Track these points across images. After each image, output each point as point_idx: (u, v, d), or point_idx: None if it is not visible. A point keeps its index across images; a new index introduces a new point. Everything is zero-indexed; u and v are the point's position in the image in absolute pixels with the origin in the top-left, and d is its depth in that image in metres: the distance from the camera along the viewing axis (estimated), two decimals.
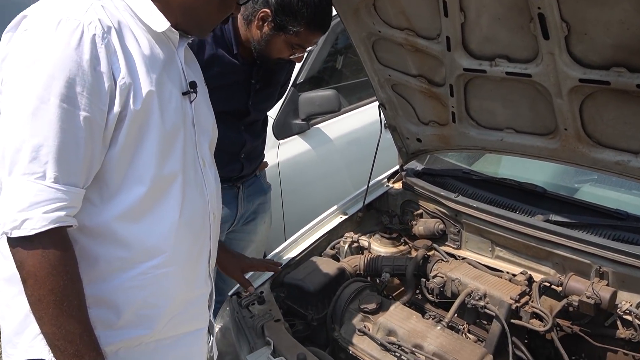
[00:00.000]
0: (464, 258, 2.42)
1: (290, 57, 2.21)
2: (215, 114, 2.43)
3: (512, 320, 1.96)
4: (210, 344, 1.74)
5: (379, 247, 2.55)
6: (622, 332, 1.93)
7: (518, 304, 1.95)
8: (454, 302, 2.09)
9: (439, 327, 1.96)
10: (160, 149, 1.32)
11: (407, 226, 2.60)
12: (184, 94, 1.38)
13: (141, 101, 1.24)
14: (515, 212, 2.27)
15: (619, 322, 1.95)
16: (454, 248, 2.49)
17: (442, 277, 2.17)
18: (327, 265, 2.32)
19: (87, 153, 1.21)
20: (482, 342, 2.03)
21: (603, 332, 1.99)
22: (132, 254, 1.32)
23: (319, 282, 2.23)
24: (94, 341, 1.22)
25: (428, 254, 2.29)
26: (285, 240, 2.55)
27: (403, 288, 2.47)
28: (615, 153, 1.95)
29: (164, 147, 1.33)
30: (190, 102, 1.41)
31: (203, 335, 1.59)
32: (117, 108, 1.22)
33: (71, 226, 1.22)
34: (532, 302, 1.98)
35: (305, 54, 2.38)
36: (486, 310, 1.99)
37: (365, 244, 2.55)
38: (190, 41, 1.47)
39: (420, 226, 2.54)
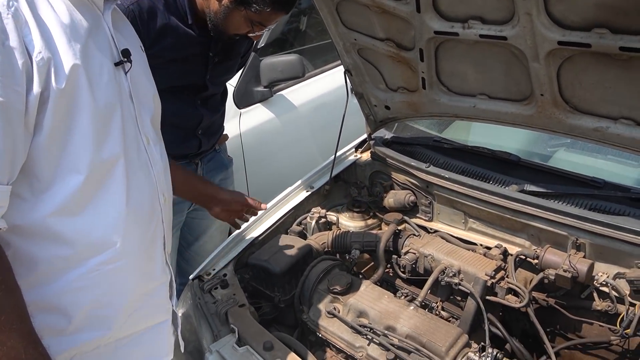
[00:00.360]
0: (436, 231, 2.32)
1: (249, 34, 2.02)
2: (168, 88, 2.22)
3: (488, 297, 1.88)
4: (175, 337, 1.62)
5: (348, 221, 2.44)
6: (599, 304, 1.87)
7: (493, 280, 1.87)
8: (426, 279, 2.00)
9: (411, 307, 1.87)
10: (94, 130, 1.15)
11: (376, 198, 2.49)
12: (116, 64, 1.21)
13: (65, 78, 1.06)
14: (488, 182, 2.18)
15: (595, 294, 1.89)
16: (425, 220, 2.39)
17: (414, 253, 2.07)
18: (293, 244, 2.20)
19: (7, 144, 1.03)
20: (456, 319, 1.95)
21: (579, 304, 1.93)
22: (76, 251, 1.18)
23: (285, 263, 2.11)
24: (42, 352, 1.09)
25: (399, 228, 2.18)
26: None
27: (373, 263, 2.37)
28: (593, 119, 1.85)
29: (99, 127, 1.16)
30: (125, 73, 1.25)
31: (167, 328, 1.47)
32: (36, 88, 1.04)
33: (0, 229, 1.06)
34: (507, 277, 1.90)
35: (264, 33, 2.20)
36: (461, 287, 1.90)
37: (334, 218, 2.43)
38: (118, 2, 1.28)
39: (391, 198, 2.43)
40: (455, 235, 2.26)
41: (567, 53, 1.71)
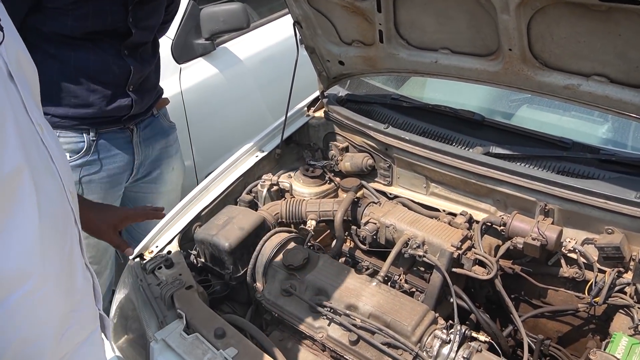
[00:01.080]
0: (396, 196, 2.19)
1: None
2: (88, 36, 1.96)
3: (454, 270, 1.77)
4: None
5: (302, 187, 2.27)
6: (566, 271, 1.80)
7: (460, 251, 1.75)
8: (388, 251, 1.87)
9: (374, 284, 1.74)
10: None
11: (331, 162, 2.32)
12: None
13: None
14: (451, 144, 2.04)
15: (562, 261, 1.81)
16: (384, 185, 2.25)
17: (375, 223, 1.93)
18: (244, 216, 2.02)
19: None
20: (420, 292, 1.84)
21: (545, 271, 1.85)
22: None
23: (235, 237, 1.93)
24: None
25: (357, 196, 2.03)
26: (198, 184, 2.20)
27: (330, 232, 2.23)
28: (564, 76, 1.72)
29: None
30: None
31: (98, 335, 1.31)
32: None
33: None
34: (474, 248, 1.79)
35: None
36: (425, 259, 1.78)
37: (287, 185, 2.25)
38: None
39: (347, 162, 2.27)
40: (417, 200, 2.13)
41: (540, 4, 1.55)
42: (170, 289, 1.80)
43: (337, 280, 1.78)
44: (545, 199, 1.79)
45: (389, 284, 1.84)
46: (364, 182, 2.26)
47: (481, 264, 1.78)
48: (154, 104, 2.26)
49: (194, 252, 2.03)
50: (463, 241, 1.78)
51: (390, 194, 2.21)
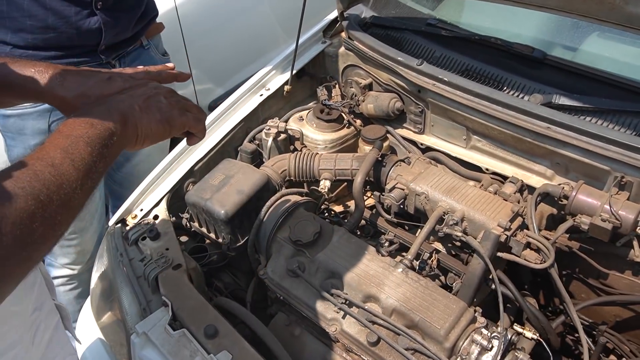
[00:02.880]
0: (428, 147, 1.81)
1: None
2: None
3: (499, 254, 1.43)
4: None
5: (315, 133, 1.90)
6: (638, 255, 1.44)
7: (508, 233, 1.40)
8: (418, 225, 1.53)
9: (399, 269, 1.42)
10: None
11: (351, 102, 1.92)
12: None
13: None
14: (502, 90, 1.62)
15: (635, 243, 1.45)
16: (415, 132, 1.86)
17: (403, 189, 1.57)
18: (244, 175, 1.67)
19: None
20: (456, 275, 1.52)
21: (610, 251, 1.51)
22: None
23: (233, 204, 1.60)
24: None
25: (382, 154, 1.65)
26: None
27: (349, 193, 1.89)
28: None
29: None
30: None
31: (61, 332, 1.20)
32: None
33: None
34: (526, 229, 1.44)
35: None
36: (464, 239, 1.44)
37: (297, 131, 1.87)
38: None
39: (370, 103, 1.87)
40: (454, 155, 1.75)
41: None
42: (155, 269, 1.50)
43: (355, 263, 1.46)
44: (622, 169, 1.40)
45: (417, 263, 1.51)
46: (390, 129, 1.88)
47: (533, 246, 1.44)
48: (143, 31, 1.84)
49: (185, 215, 1.72)
50: (513, 219, 1.43)
51: (422, 144, 1.84)
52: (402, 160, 1.66)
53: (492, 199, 1.49)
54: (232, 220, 1.60)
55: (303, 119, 1.95)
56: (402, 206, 1.58)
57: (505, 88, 1.63)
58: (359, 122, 1.94)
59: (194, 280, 1.60)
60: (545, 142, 1.50)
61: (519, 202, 1.48)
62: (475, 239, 1.44)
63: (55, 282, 2.11)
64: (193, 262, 1.61)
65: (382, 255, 1.49)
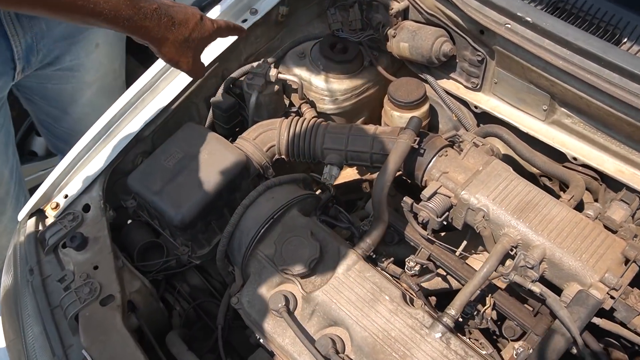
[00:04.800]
0: (484, 113, 1.24)
1: None
2: None
3: (595, 320, 0.92)
4: None
5: (322, 78, 1.33)
6: None
7: (616, 295, 0.88)
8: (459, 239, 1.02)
9: (437, 335, 0.93)
10: None
11: (375, 34, 1.32)
12: None
13: None
14: (622, 45, 1.02)
15: None
16: (468, 87, 1.28)
17: (448, 197, 1.03)
18: (211, 154, 1.13)
19: None
20: (520, 327, 1.03)
21: None
22: None
23: (193, 205, 1.08)
24: None
25: (420, 133, 1.08)
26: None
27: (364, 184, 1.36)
28: None
29: None
30: None
31: None
32: None
33: None
34: None
35: None
36: (543, 297, 0.92)
37: (294, 80, 1.29)
38: None
39: (404, 41, 1.26)
40: (524, 129, 1.18)
41: None
42: (75, 304, 1.02)
43: (370, 314, 0.97)
44: None
45: (467, 319, 1.02)
46: (430, 80, 1.29)
47: None
48: None
49: (131, 202, 1.20)
50: (625, 270, 0.90)
51: (476, 106, 1.26)
52: (450, 145, 1.10)
53: (592, 230, 0.95)
54: (191, 226, 1.09)
55: (305, 57, 1.36)
56: (445, 222, 1.04)
57: (626, 41, 1.02)
58: (380, 68, 1.35)
59: (141, 306, 1.12)
60: None
61: (635, 238, 0.94)
62: (560, 296, 0.92)
63: None
64: (138, 279, 1.13)
65: (408, 300, 0.99)
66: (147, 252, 1.29)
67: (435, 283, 1.15)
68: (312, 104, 1.34)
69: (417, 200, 1.05)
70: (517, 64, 1.12)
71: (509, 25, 1.08)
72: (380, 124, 1.49)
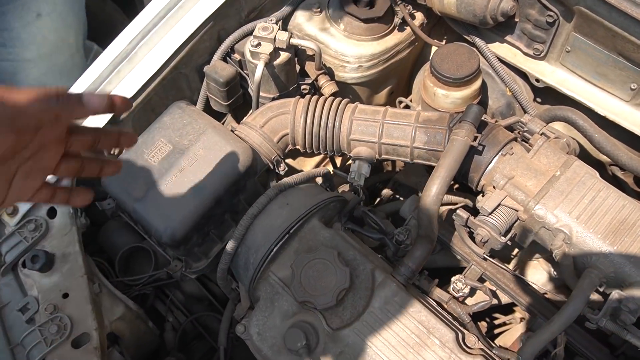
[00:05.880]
0: (547, 88, 0.99)
1: None
2: None
3: None
4: None
5: (344, 41, 1.06)
6: None
7: None
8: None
9: None
10: None
11: None
12: None
13: None
14: None
15: None
16: (527, 55, 1.01)
17: (516, 211, 0.80)
18: (207, 148, 0.89)
19: None
20: None
21: None
22: None
23: (186, 218, 0.85)
24: None
25: (477, 136, 0.83)
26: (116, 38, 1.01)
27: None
28: None
29: None
30: None
31: None
32: None
33: None
34: None
35: None
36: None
37: (310, 45, 1.02)
38: None
39: None
40: (601, 111, 0.94)
41: None
42: (40, 346, 0.80)
43: (407, 355, 0.76)
44: None
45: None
46: (480, 45, 1.02)
47: None
48: None
49: (108, 202, 0.96)
50: None
51: (538, 80, 1.00)
52: (514, 139, 0.85)
53: None
54: (184, 242, 0.86)
55: (321, 12, 1.08)
56: (510, 242, 0.82)
57: None
58: (419, 19, 1.08)
59: (127, 334, 0.91)
60: None
61: None
62: None
63: None
64: (120, 303, 0.91)
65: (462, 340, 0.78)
66: (132, 258, 1.07)
67: (482, 297, 0.94)
68: (331, 74, 1.08)
69: (473, 216, 0.82)
70: (605, 30, 0.86)
71: None
72: (407, 94, 1.25)
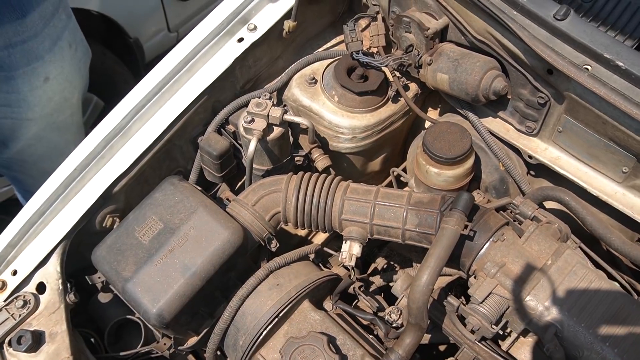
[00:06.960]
0: (539, 165, 0.99)
1: None
2: None
3: None
4: None
5: (338, 113, 1.07)
6: None
7: None
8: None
9: None
10: None
11: (406, 57, 1.05)
12: None
13: None
14: None
15: None
16: (519, 131, 1.02)
17: (507, 299, 0.79)
18: (198, 228, 0.88)
19: None
20: None
21: None
22: None
23: (175, 299, 0.84)
24: None
25: (467, 224, 0.82)
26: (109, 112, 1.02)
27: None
28: None
29: None
30: None
31: None
32: None
33: None
34: None
35: None
36: None
37: (304, 122, 1.02)
38: None
39: (443, 72, 1.00)
40: (593, 191, 0.94)
41: None
42: None
43: None
44: None
45: None
46: (473, 120, 1.03)
47: None
48: None
49: (98, 276, 0.96)
50: None
51: (531, 156, 1.00)
52: (506, 223, 0.85)
53: None
54: (172, 323, 0.85)
55: (315, 83, 1.09)
56: (501, 332, 0.81)
57: None
58: (413, 90, 1.09)
59: None
60: None
61: None
62: None
63: None
64: None
65: None
66: (122, 328, 1.06)
67: None
68: (325, 144, 1.09)
69: (464, 301, 0.81)
70: (596, 118, 0.86)
71: (590, 68, 0.82)
72: (401, 159, 1.25)
